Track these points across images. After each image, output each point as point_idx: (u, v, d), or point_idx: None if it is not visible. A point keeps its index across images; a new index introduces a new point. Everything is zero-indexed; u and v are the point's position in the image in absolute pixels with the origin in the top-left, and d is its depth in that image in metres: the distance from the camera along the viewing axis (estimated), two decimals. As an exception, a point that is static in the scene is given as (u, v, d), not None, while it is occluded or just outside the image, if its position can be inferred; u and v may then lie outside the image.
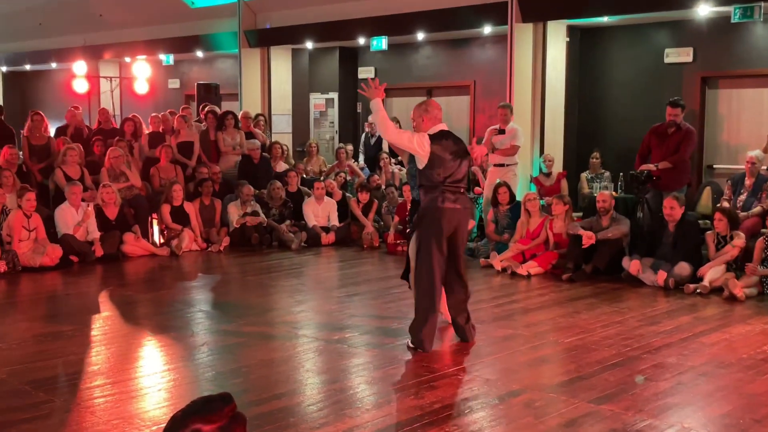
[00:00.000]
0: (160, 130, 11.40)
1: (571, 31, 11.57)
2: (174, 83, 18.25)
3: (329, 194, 10.91)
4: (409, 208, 6.00)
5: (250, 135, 11.78)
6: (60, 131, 11.57)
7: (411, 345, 5.59)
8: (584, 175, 11.07)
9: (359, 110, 15.14)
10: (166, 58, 16.70)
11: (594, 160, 11.05)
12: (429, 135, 5.59)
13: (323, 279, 8.82)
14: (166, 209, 9.98)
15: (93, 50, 17.13)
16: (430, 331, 5.56)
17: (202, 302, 7.47)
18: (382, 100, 5.72)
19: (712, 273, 7.52)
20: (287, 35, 14.11)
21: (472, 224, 9.61)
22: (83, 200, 9.30)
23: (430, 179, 5.56)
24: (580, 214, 9.63)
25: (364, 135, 13.58)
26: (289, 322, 6.50)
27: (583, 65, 11.95)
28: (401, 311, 6.69)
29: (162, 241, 10.16)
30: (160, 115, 11.63)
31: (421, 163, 5.56)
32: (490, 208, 9.64)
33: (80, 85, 15.30)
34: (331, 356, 5.53)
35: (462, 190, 5.64)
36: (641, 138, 9.24)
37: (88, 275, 8.57)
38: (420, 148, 5.53)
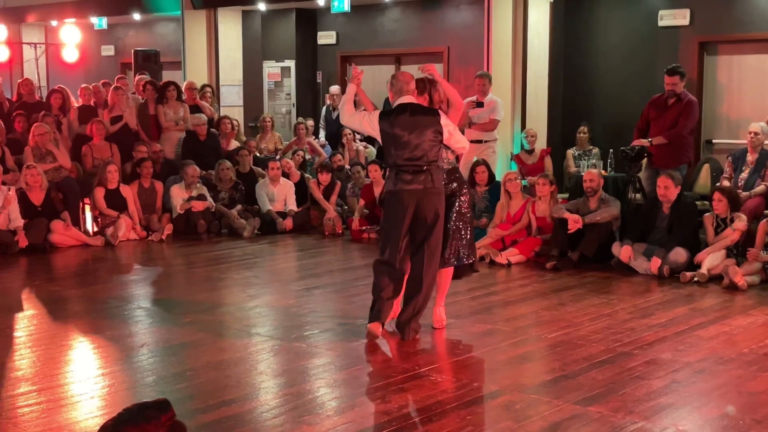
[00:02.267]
0: (92, 103, 11.26)
1: (556, -10, 11.61)
2: (108, 50, 18.01)
3: (286, 175, 10.86)
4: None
5: (195, 108, 11.68)
6: (-24, 105, 11.37)
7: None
8: (570, 151, 11.14)
9: (319, 80, 15.07)
10: (99, 22, 16.46)
11: (581, 135, 11.12)
12: (381, 112, 5.89)
13: (279, 271, 8.80)
14: (99, 193, 9.87)
15: (14, 12, 16.82)
16: (379, 314, 5.76)
17: (141, 298, 7.42)
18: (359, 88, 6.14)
19: (711, 259, 7.62)
20: (237, -5, 13.98)
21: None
22: (4, 183, 9.17)
23: (386, 159, 5.85)
24: (566, 195, 9.70)
25: (325, 108, 13.53)
26: (240, 320, 6.48)
27: (568, 29, 12.00)
28: (367, 306, 6.67)
29: (95, 229, 10.05)
30: (91, 87, 11.47)
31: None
32: (466, 189, 9.65)
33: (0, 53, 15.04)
34: (288, 357, 5.53)
35: (424, 168, 5.68)
36: (633, 110, 9.31)
37: (10, 268, 8.45)
38: (370, 128, 5.89)
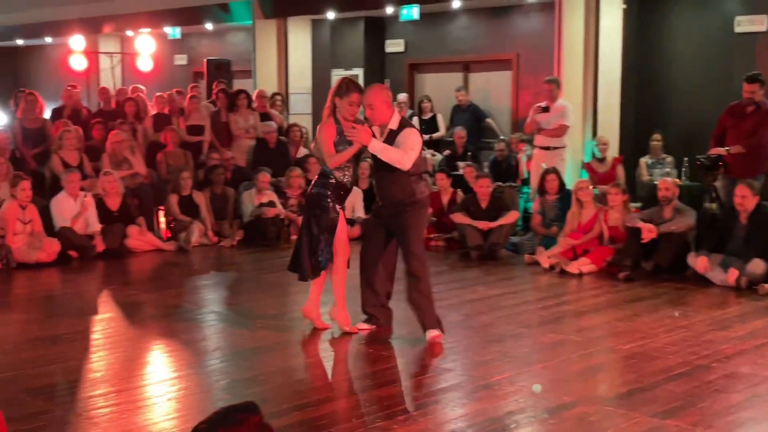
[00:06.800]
0: (166, 111, 11.47)
1: (629, -4, 11.45)
2: (181, 59, 18.33)
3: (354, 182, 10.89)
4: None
5: (265, 116, 11.82)
6: (56, 113, 11.69)
7: (440, 332, 5.91)
8: (643, 160, 10.95)
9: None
10: (173, 32, 16.77)
11: (654, 143, 10.92)
12: (416, 128, 6.10)
13: (352, 275, 8.80)
14: (173, 199, 10.05)
15: (91, 23, 17.24)
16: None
17: (213, 303, 7.53)
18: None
19: (791, 271, 7.41)
20: (307, 4, 14.10)
21: (516, 216, 9.60)
22: (82, 189, 9.38)
23: (419, 168, 6.02)
24: (639, 204, 9.55)
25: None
26: (311, 325, 6.50)
27: (641, 35, 11.80)
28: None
29: (169, 234, 10.23)
30: (165, 95, 11.70)
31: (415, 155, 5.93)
32: (536, 197, 9.60)
33: (78, 62, 15.45)
34: (361, 361, 5.54)
35: None
36: (708, 118, 9.10)
37: (88, 272, 8.67)
38: (420, 146, 5.97)
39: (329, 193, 6.00)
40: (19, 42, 20.27)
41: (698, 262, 7.84)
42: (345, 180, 6.04)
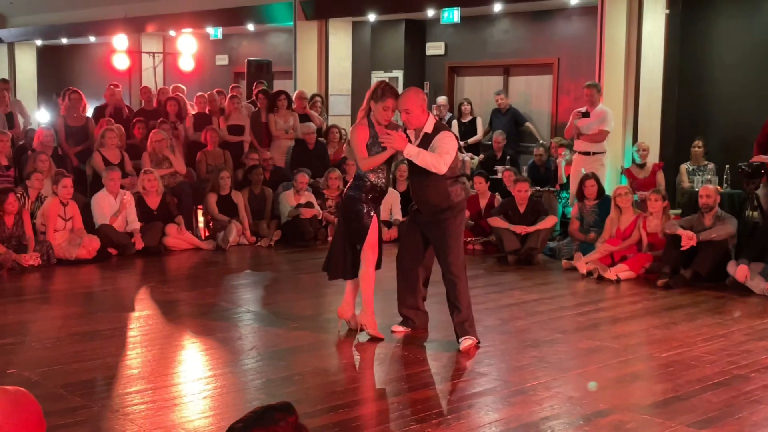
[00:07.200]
0: (207, 111, 11.57)
1: (672, 0, 11.32)
2: (222, 59, 18.49)
3: (392, 185, 10.92)
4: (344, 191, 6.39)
5: (305, 117, 11.87)
6: (98, 111, 11.84)
7: (474, 340, 5.83)
8: (684, 166, 10.84)
9: (427, 90, 15.11)
10: (214, 32, 16.89)
11: (696, 149, 10.80)
12: (451, 132, 6.02)
13: (385, 279, 8.82)
14: (212, 199, 10.13)
15: (134, 23, 17.48)
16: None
17: (249, 302, 7.58)
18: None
19: (835, 282, 7.28)
20: (348, 6, 14.15)
21: (554, 221, 9.54)
22: (122, 187, 9.50)
23: (454, 171, 5.91)
24: (679, 211, 9.46)
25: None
26: (346, 326, 6.52)
27: (684, 41, 11.67)
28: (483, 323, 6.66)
29: (207, 233, 10.32)
30: (206, 95, 11.80)
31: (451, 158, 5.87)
32: (575, 202, 9.54)
33: (120, 61, 15.62)
34: (396, 363, 5.54)
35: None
36: (751, 125, 8.97)
37: (127, 270, 8.77)
38: (455, 149, 5.90)
39: (363, 196, 6.00)
40: (64, 41, 20.57)
41: (738, 270, 7.73)
42: (380, 182, 6.03)
